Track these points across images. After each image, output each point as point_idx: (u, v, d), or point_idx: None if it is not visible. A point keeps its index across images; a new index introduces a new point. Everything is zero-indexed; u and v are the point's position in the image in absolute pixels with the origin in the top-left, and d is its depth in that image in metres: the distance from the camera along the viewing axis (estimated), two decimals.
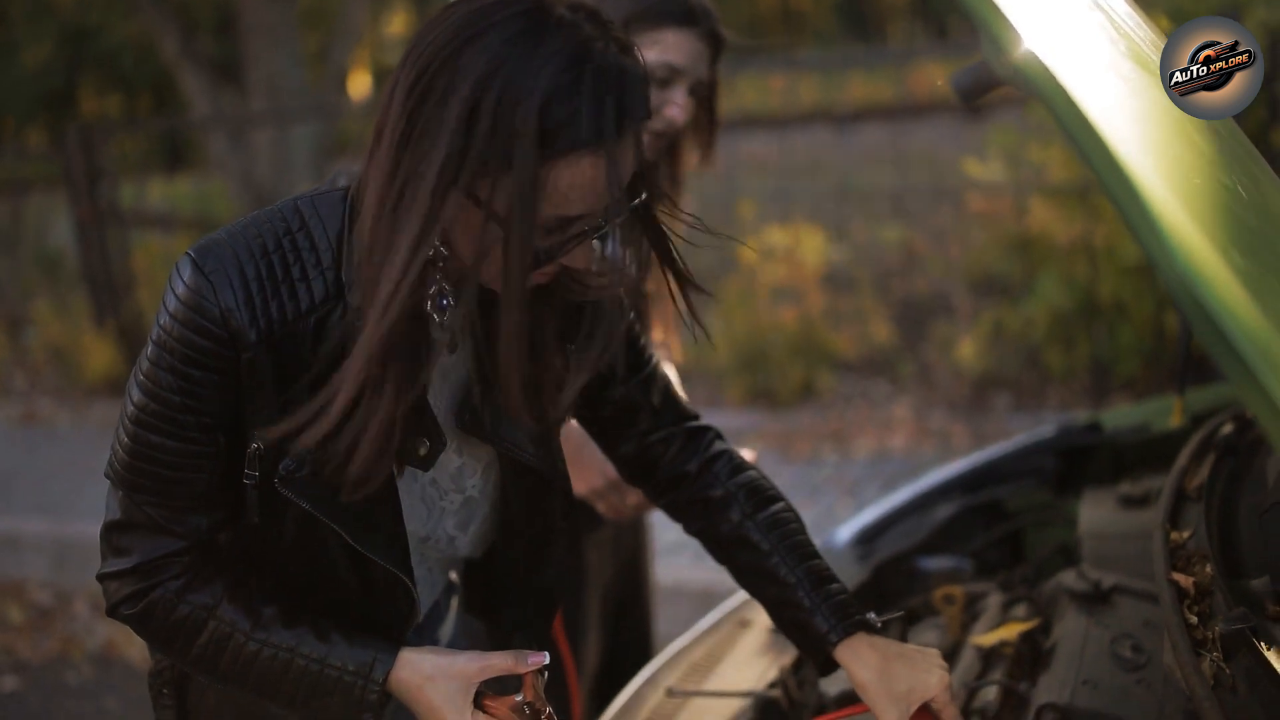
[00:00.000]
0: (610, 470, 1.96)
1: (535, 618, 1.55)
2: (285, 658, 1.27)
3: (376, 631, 1.32)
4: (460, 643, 1.64)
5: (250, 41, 8.56)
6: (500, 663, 1.29)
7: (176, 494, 1.25)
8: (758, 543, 1.45)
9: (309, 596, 1.33)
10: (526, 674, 1.29)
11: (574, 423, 1.52)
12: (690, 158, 2.10)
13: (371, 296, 1.15)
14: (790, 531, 1.46)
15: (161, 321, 1.20)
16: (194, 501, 1.26)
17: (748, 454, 1.70)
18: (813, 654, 1.42)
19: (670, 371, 2.29)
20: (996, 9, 0.87)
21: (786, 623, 1.44)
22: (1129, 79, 1.07)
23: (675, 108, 1.87)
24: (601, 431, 1.52)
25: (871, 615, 1.42)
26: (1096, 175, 0.76)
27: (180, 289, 1.19)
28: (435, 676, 1.28)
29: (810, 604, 1.41)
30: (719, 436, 1.55)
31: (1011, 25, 0.83)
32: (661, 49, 1.84)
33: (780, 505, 1.49)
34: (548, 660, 1.30)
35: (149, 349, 1.22)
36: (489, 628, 1.60)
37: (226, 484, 1.27)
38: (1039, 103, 0.83)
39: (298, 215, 1.23)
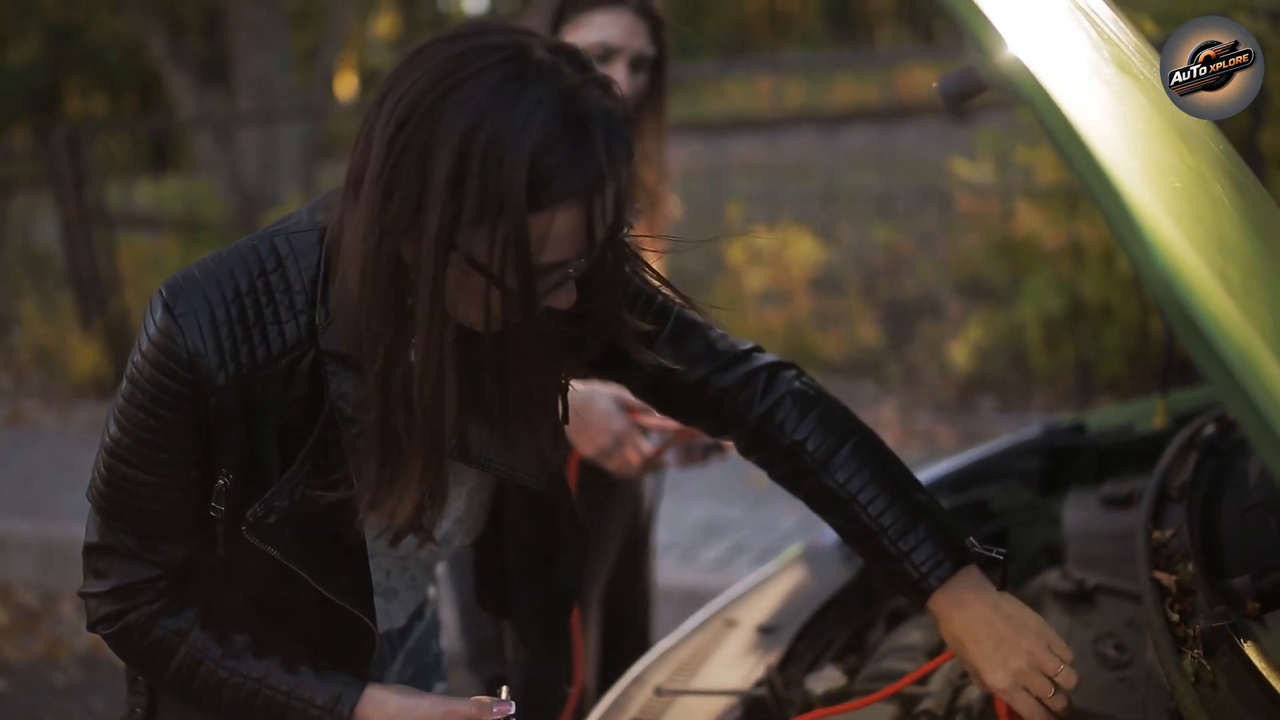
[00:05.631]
0: (616, 425, 1.97)
1: (549, 618, 1.56)
2: (253, 687, 1.30)
3: (342, 661, 1.33)
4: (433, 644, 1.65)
5: (237, 41, 8.55)
6: (464, 709, 1.30)
7: (150, 524, 1.27)
8: (844, 483, 1.39)
9: (278, 624, 1.34)
10: None
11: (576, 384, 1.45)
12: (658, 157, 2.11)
13: (364, 352, 1.18)
14: (878, 464, 1.39)
15: (134, 360, 1.22)
16: (167, 531, 1.28)
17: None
18: (909, 594, 1.35)
19: None
20: (981, 14, 0.88)
21: (877, 562, 1.38)
22: (1112, 84, 1.08)
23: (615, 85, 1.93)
24: (668, 396, 1.46)
25: (971, 540, 1.35)
26: (1080, 178, 0.77)
27: (152, 330, 1.20)
28: (398, 717, 1.29)
29: (898, 551, 1.33)
30: (786, 367, 1.46)
31: (996, 30, 0.84)
32: (594, 29, 1.97)
33: (855, 439, 1.41)
34: (513, 711, 1.29)
35: (124, 384, 1.23)
36: (499, 618, 1.60)
37: (200, 515, 1.28)
38: (1024, 107, 0.84)
39: (274, 254, 1.23)
